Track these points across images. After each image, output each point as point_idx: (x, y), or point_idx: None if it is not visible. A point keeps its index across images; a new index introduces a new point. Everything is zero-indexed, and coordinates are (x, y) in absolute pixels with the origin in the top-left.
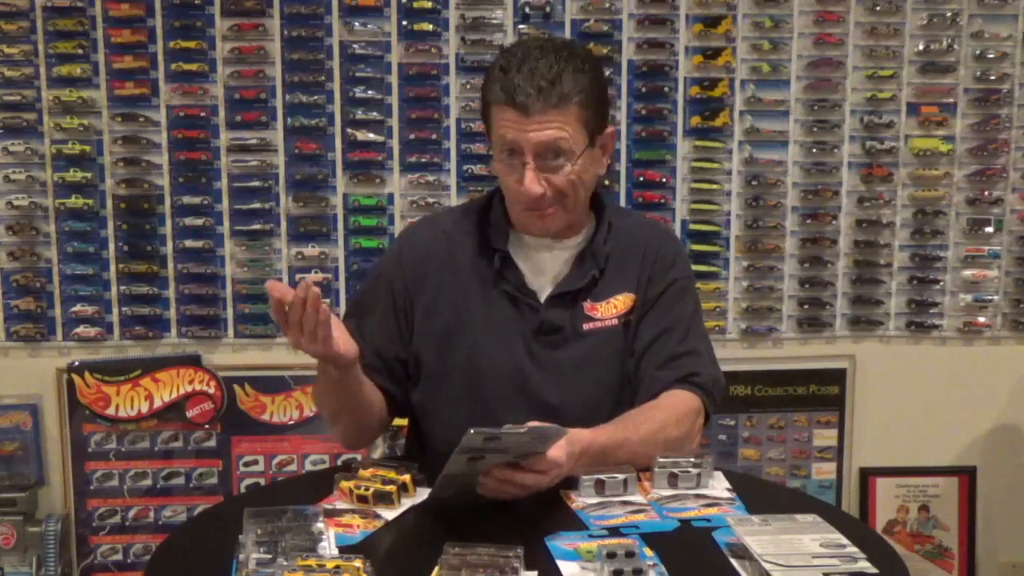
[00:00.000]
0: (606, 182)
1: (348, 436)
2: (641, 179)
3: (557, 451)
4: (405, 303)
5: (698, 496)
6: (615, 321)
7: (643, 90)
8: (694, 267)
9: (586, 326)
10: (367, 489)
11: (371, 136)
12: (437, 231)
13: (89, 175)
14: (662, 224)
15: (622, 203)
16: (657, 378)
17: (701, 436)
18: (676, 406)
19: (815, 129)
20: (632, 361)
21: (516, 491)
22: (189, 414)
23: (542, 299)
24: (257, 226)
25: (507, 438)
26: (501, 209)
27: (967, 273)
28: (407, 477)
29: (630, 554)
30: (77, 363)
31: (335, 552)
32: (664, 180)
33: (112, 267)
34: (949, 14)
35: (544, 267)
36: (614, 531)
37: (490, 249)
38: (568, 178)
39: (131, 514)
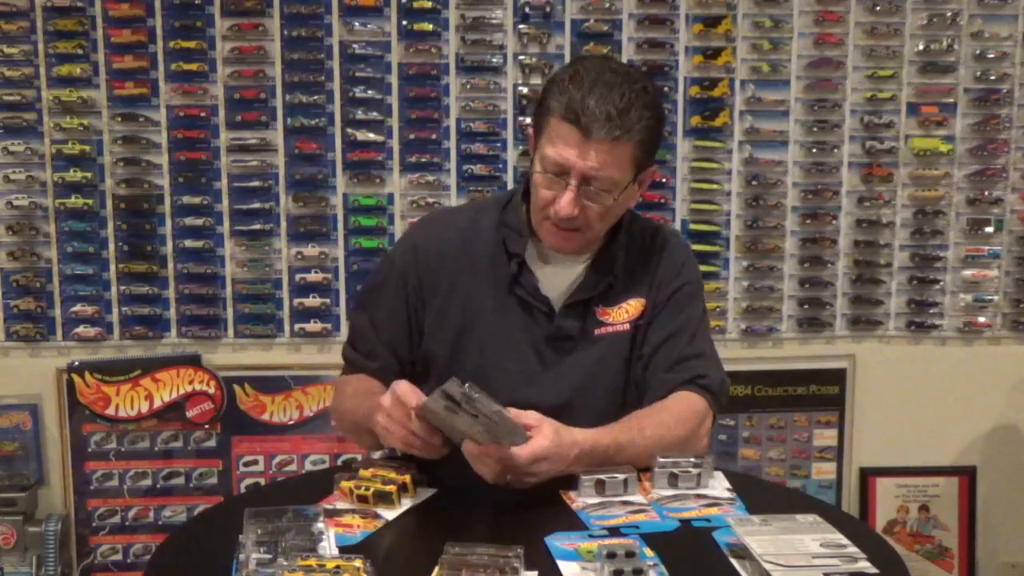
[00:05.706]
0: None
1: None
2: None
3: (536, 446)
4: (417, 300)
5: (698, 496)
6: (626, 326)
7: None
8: None
9: (597, 331)
10: (367, 489)
11: (371, 136)
12: (452, 228)
13: (89, 175)
14: (671, 227)
15: None
16: (665, 380)
17: (708, 438)
18: (682, 408)
19: (815, 129)
20: (640, 364)
21: (486, 469)
22: (189, 414)
23: (556, 306)
24: (257, 226)
25: (480, 404)
26: (524, 213)
27: (967, 273)
28: (407, 477)
29: (630, 554)
30: (77, 363)
31: (335, 552)
32: (664, 180)
33: (112, 267)
34: (949, 14)
35: (559, 274)
36: (614, 531)
37: (506, 253)
38: (602, 211)
39: (131, 514)
